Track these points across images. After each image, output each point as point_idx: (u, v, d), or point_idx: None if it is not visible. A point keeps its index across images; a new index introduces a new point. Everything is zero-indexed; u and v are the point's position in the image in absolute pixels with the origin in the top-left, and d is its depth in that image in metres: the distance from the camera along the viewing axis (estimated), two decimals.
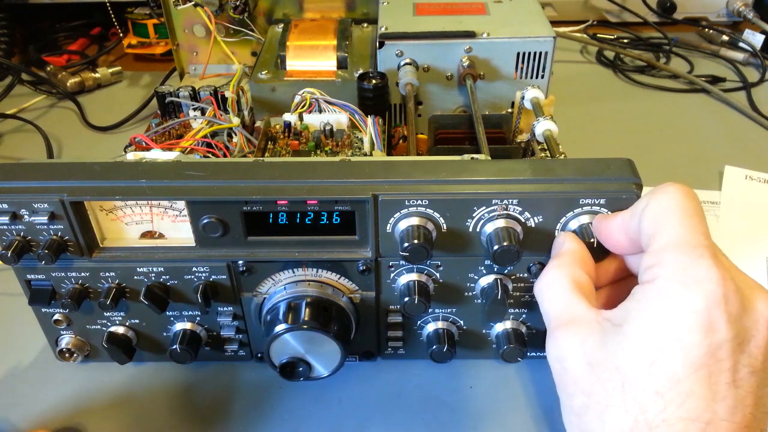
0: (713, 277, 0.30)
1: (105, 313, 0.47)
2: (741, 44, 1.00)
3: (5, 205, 0.40)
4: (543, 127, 0.53)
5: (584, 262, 0.38)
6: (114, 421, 0.47)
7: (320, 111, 0.57)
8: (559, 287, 0.36)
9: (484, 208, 0.40)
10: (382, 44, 0.64)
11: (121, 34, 0.99)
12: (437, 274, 0.44)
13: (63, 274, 0.44)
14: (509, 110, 0.63)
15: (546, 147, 0.53)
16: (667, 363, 0.29)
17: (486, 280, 0.44)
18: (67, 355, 0.49)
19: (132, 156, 0.46)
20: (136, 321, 0.47)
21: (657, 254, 0.32)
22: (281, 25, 0.75)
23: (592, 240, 0.39)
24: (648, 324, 0.31)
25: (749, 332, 0.30)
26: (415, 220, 0.40)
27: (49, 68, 0.94)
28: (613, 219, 0.38)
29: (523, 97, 0.58)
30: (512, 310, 0.47)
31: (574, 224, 0.40)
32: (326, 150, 0.54)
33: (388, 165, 0.41)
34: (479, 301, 0.45)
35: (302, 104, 0.57)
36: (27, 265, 0.44)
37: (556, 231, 0.41)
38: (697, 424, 0.29)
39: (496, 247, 0.39)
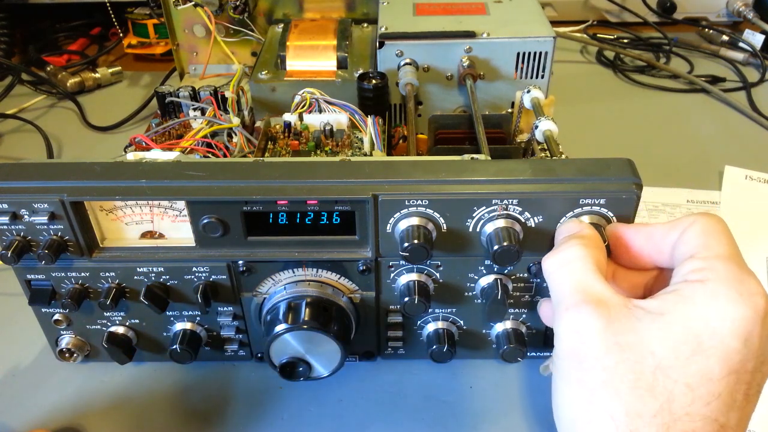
0: (762, 293, 0.31)
1: (105, 313, 0.47)
2: (741, 44, 1.00)
3: (5, 205, 0.40)
4: (543, 127, 0.53)
5: (603, 252, 0.38)
6: (114, 422, 0.47)
7: (320, 111, 0.57)
8: (583, 264, 0.35)
9: (484, 208, 0.40)
10: (382, 44, 0.64)
11: (121, 34, 0.99)
12: (437, 274, 0.44)
13: (63, 274, 0.44)
14: (509, 110, 0.63)
15: (546, 147, 0.53)
16: (705, 359, 0.30)
17: (486, 280, 0.44)
18: (67, 355, 0.49)
19: (132, 156, 0.46)
20: (136, 321, 0.47)
21: (708, 260, 0.33)
22: (281, 25, 0.75)
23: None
24: (694, 318, 0.31)
25: (766, 354, 0.31)
26: (415, 220, 0.40)
27: (49, 68, 0.94)
28: (640, 227, 0.38)
29: (524, 96, 0.58)
30: (512, 310, 0.47)
31: None
32: (326, 150, 0.54)
33: (388, 165, 0.41)
34: (479, 301, 0.45)
35: (302, 104, 0.57)
36: (27, 265, 0.44)
37: (560, 223, 0.41)
38: (715, 425, 0.29)
39: (496, 247, 0.39)
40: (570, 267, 0.36)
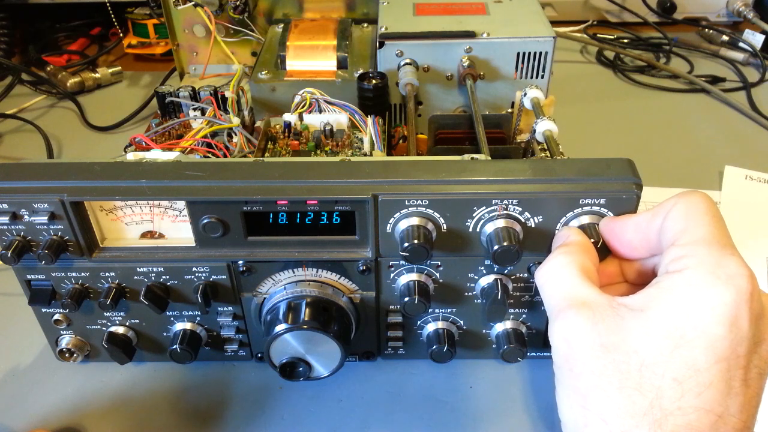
0: (744, 273, 0.31)
1: (105, 313, 0.47)
2: (741, 44, 1.00)
3: (5, 205, 0.40)
4: (543, 127, 0.53)
5: (591, 255, 0.38)
6: (114, 421, 0.47)
7: (320, 111, 0.57)
8: (568, 271, 0.36)
9: (484, 208, 0.40)
10: (382, 44, 0.64)
11: (121, 34, 0.99)
12: (437, 274, 0.44)
13: (63, 274, 0.44)
14: (509, 110, 0.63)
15: (546, 147, 0.53)
16: (689, 351, 0.30)
17: (486, 280, 0.44)
18: (67, 355, 0.49)
19: (132, 156, 0.46)
20: (136, 321, 0.47)
21: (687, 247, 0.32)
22: (281, 25, 0.75)
23: (593, 240, 0.39)
24: (674, 311, 0.31)
25: (763, 334, 0.31)
26: (415, 220, 0.40)
27: (49, 68, 0.94)
28: (627, 218, 0.38)
29: (524, 96, 0.58)
30: (512, 310, 0.47)
31: (574, 224, 0.40)
32: (326, 150, 0.54)
33: (388, 165, 0.41)
34: (479, 301, 0.45)
35: (302, 104, 0.57)
36: (27, 265, 0.44)
37: (557, 231, 0.41)
38: (711, 416, 0.29)
39: (496, 247, 0.39)
40: (556, 276, 0.36)
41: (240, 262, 0.44)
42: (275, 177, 0.41)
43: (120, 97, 0.92)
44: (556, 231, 0.41)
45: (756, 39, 0.99)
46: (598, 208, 0.40)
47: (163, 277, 0.44)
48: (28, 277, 0.45)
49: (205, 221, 0.41)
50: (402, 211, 0.40)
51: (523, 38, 0.63)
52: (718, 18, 1.10)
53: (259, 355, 0.50)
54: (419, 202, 0.40)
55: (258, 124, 0.61)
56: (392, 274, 0.44)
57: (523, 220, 0.40)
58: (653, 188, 0.69)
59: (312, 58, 0.68)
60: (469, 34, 0.63)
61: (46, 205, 0.40)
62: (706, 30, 1.05)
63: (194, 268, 0.44)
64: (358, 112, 0.57)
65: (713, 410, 0.29)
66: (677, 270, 0.32)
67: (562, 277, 0.36)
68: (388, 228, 0.41)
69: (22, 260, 0.42)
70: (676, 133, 0.82)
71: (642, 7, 1.08)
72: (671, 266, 0.32)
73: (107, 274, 0.44)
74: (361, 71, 0.64)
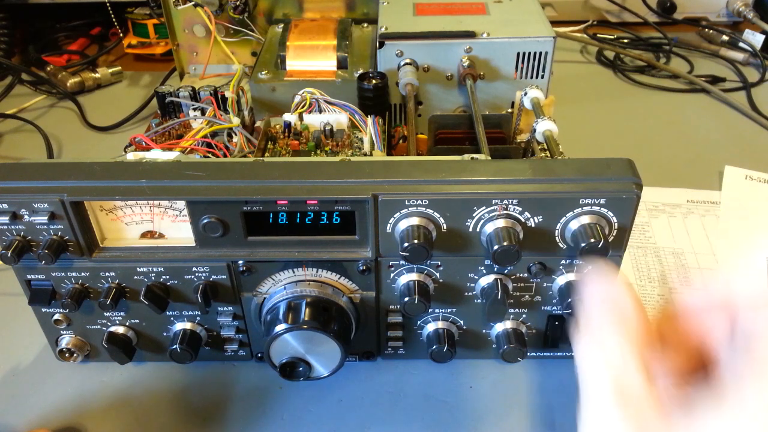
0: None
1: (105, 313, 0.47)
2: (741, 44, 1.00)
3: (5, 205, 0.40)
4: (543, 127, 0.53)
5: (648, 333, 0.31)
6: (114, 421, 0.47)
7: (320, 111, 0.57)
8: (623, 361, 0.30)
9: (484, 208, 0.40)
10: (382, 44, 0.64)
11: (121, 34, 0.99)
12: (437, 274, 0.44)
13: (63, 274, 0.44)
14: (509, 110, 0.62)
15: (546, 147, 0.53)
16: None
17: (486, 280, 0.44)
18: (67, 355, 0.49)
19: (132, 156, 0.46)
20: (136, 321, 0.47)
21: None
22: (281, 25, 0.75)
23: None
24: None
25: None
26: (415, 220, 0.40)
27: (49, 68, 0.94)
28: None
29: (524, 96, 0.58)
30: (512, 310, 0.47)
31: (574, 224, 0.40)
32: (326, 150, 0.54)
33: (388, 165, 0.41)
34: (479, 301, 0.45)
35: (302, 104, 0.57)
36: (27, 265, 0.44)
37: (556, 233, 0.41)
38: None
39: (496, 247, 0.39)
40: (608, 357, 0.30)
41: (240, 262, 0.44)
42: (275, 177, 0.41)
43: (120, 97, 0.92)
44: (556, 232, 0.40)
45: (756, 39, 0.99)
46: (598, 208, 0.40)
47: (163, 277, 0.44)
48: (28, 277, 0.45)
49: (205, 221, 0.41)
50: (402, 211, 0.40)
51: (523, 38, 0.63)
52: (718, 18, 1.10)
53: (259, 355, 0.50)
54: (419, 202, 0.40)
55: (258, 124, 0.61)
56: (392, 274, 0.44)
57: (523, 220, 0.40)
58: (653, 188, 0.69)
59: (312, 58, 0.68)
60: (469, 34, 0.63)
61: (46, 205, 0.40)
62: (706, 30, 1.05)
63: (194, 268, 0.44)
64: (358, 112, 0.57)
65: None
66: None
67: (615, 360, 0.30)
68: (388, 228, 0.41)
69: (22, 260, 0.42)
70: (676, 133, 0.82)
71: (642, 7, 1.08)
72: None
73: (107, 274, 0.44)
74: (361, 71, 0.64)
